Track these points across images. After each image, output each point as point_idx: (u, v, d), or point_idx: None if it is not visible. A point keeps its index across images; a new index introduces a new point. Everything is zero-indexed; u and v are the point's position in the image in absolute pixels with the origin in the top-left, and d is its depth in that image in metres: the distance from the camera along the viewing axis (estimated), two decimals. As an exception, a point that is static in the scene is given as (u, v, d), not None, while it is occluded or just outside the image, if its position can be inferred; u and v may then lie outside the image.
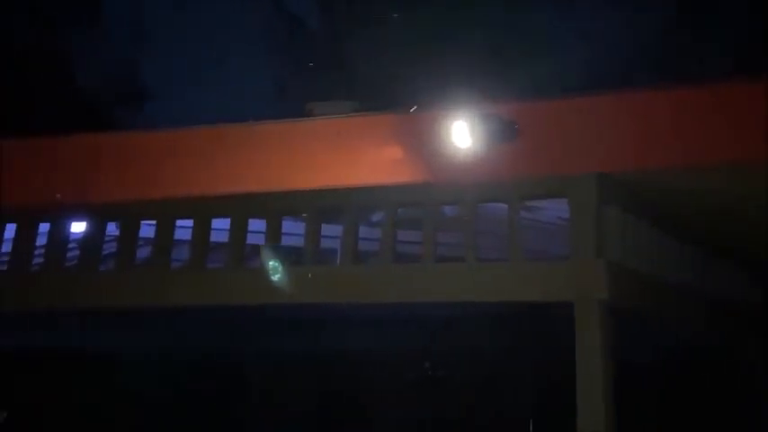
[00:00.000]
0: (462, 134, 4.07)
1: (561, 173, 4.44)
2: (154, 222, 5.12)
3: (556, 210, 5.66)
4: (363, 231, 5.10)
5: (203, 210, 4.96)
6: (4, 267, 5.25)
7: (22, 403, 8.48)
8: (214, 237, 5.14)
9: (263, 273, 4.96)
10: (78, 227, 5.28)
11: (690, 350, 6.71)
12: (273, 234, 4.88)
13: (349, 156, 4.42)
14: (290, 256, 5.32)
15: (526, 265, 4.54)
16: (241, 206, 4.91)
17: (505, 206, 4.68)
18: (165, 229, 5.02)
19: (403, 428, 9.73)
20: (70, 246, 5.39)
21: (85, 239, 5.12)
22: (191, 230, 5.06)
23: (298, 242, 5.30)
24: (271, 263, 4.73)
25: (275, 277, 4.70)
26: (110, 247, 5.74)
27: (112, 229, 5.43)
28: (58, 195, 4.41)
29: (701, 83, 4.30)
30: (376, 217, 6.36)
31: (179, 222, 5.10)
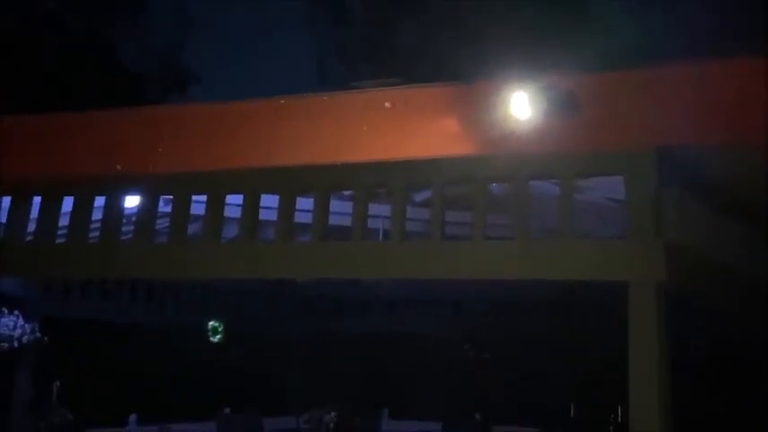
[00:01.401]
0: (520, 106, 3.96)
1: (618, 148, 4.30)
2: (203, 200, 5.17)
3: (605, 190, 5.51)
4: (407, 211, 5.04)
5: (253, 184, 4.99)
6: (63, 240, 5.36)
7: (73, 372, 8.78)
8: (261, 215, 5.17)
9: (310, 247, 4.98)
10: (131, 202, 5.38)
11: (749, 335, 6.49)
12: (322, 210, 4.88)
13: (402, 128, 4.36)
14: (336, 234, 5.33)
15: (580, 242, 4.42)
16: (290, 180, 4.92)
17: (554, 187, 4.57)
18: (216, 203, 5.07)
19: (446, 405, 9.78)
20: (124, 221, 5.51)
21: (139, 213, 5.22)
22: (238, 209, 5.11)
23: (343, 221, 5.30)
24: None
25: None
26: (160, 224, 5.85)
27: (162, 206, 5.53)
28: (119, 167, 4.49)
29: (765, 53, 4.08)
30: (419, 196, 6.30)
31: (227, 200, 5.15)
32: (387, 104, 4.12)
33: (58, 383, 8.48)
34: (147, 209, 5.15)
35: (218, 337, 4.42)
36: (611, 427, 7.98)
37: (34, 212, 5.47)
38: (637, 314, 4.17)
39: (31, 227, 5.49)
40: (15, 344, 7.48)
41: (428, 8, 16.10)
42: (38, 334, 7.80)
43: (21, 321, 7.58)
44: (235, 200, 5.16)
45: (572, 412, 9.37)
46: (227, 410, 8.97)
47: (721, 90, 4.09)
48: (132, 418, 8.51)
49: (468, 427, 9.21)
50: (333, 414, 8.50)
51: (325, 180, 4.86)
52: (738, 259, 5.12)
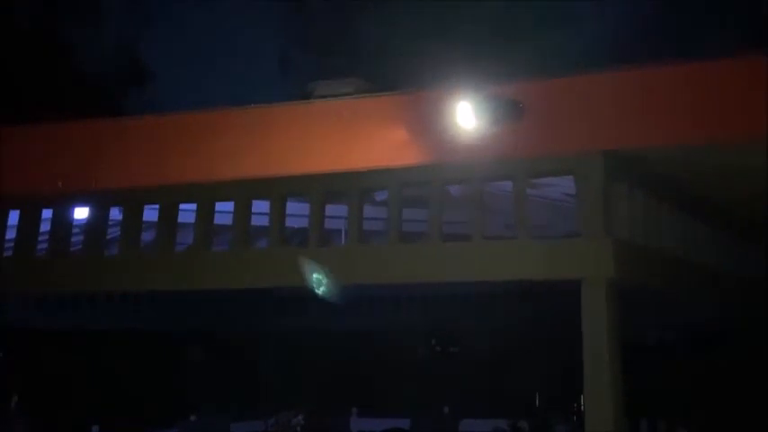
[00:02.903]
0: (468, 114, 4.00)
1: (567, 151, 4.38)
2: (156, 206, 5.09)
3: (562, 186, 5.61)
4: (367, 211, 5.07)
5: (207, 194, 4.93)
6: (9, 253, 5.23)
7: (33, 384, 8.59)
8: (218, 219, 5.12)
9: (267, 255, 4.95)
10: (82, 212, 5.27)
11: (701, 328, 6.70)
12: (278, 217, 4.85)
13: (354, 138, 4.37)
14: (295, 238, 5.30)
15: (533, 243, 4.50)
16: (245, 190, 4.88)
17: (511, 183, 4.63)
18: (169, 214, 5.00)
19: (414, 400, 9.84)
20: (74, 231, 5.39)
21: (89, 225, 5.11)
22: (193, 214, 5.04)
23: (301, 223, 5.27)
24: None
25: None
26: (113, 232, 5.74)
27: (115, 214, 5.42)
28: (60, 183, 4.38)
29: (707, 58, 4.21)
30: (380, 196, 6.32)
31: (182, 206, 5.09)
32: (340, 115, 4.10)
33: (16, 397, 8.29)
34: (96, 222, 5.04)
35: (323, 288, 4.19)
36: (575, 417, 8.17)
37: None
38: (589, 311, 4.28)
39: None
40: (-31, 360, 7.26)
41: (389, 4, 16.11)
42: (-7, 348, 7.59)
43: (-28, 337, 7.36)
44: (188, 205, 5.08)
45: (537, 402, 9.54)
46: (194, 417, 8.89)
47: (668, 92, 4.20)
48: (94, 429, 8.37)
49: (436, 421, 9.31)
50: (300, 417, 8.50)
51: (280, 189, 4.83)
52: (690, 253, 5.29)
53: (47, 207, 5.11)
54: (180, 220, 5.12)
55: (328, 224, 5.05)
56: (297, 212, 5.51)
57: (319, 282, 4.32)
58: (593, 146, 4.28)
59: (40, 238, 5.27)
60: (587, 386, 4.25)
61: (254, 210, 5.02)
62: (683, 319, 6.84)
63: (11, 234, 5.27)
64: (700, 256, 5.42)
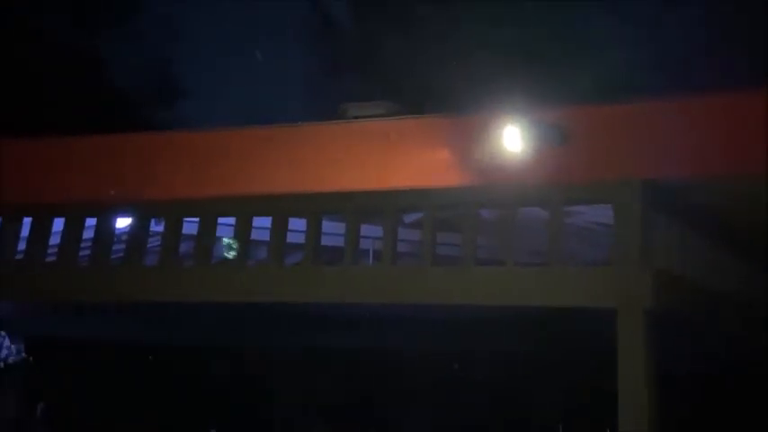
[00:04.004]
0: (511, 139, 4.04)
1: (605, 179, 4.38)
2: (196, 220, 5.19)
3: (592, 215, 5.60)
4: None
5: (246, 209, 5.02)
6: (53, 259, 5.34)
7: (60, 393, 8.67)
8: (254, 235, 5.19)
9: (302, 270, 5.00)
10: (123, 222, 5.38)
11: (735, 358, 6.57)
12: (314, 234, 4.91)
13: (394, 158, 4.43)
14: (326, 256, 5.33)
15: (568, 269, 4.50)
16: (282, 206, 4.95)
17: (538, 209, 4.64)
18: (208, 227, 5.08)
19: (430, 426, 9.71)
20: (114, 240, 5.49)
21: (130, 236, 5.22)
22: (232, 228, 5.13)
23: (332, 241, 5.32)
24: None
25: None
26: (152, 242, 5.84)
27: (152, 224, 5.52)
28: (112, 192, 4.50)
29: (748, 87, 4.21)
30: (409, 218, 6.35)
31: (221, 220, 5.18)
32: (380, 136, 4.16)
33: (42, 404, 8.37)
34: (138, 232, 5.15)
35: (232, 253, 4.30)
36: (600, 449, 7.99)
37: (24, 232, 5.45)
38: (624, 340, 4.24)
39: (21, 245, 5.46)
40: (1, 364, 7.39)
41: (416, 25, 16.32)
42: (23, 354, 7.71)
43: (6, 342, 7.50)
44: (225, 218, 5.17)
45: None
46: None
47: (708, 123, 4.20)
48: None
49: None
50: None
51: (317, 205, 4.90)
52: (727, 284, 5.22)
53: (90, 216, 5.22)
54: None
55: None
56: (327, 231, 5.57)
57: (229, 246, 4.41)
58: (632, 174, 4.28)
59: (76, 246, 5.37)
60: (622, 421, 4.17)
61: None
62: (716, 351, 6.71)
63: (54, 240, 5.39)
64: (737, 288, 5.35)
